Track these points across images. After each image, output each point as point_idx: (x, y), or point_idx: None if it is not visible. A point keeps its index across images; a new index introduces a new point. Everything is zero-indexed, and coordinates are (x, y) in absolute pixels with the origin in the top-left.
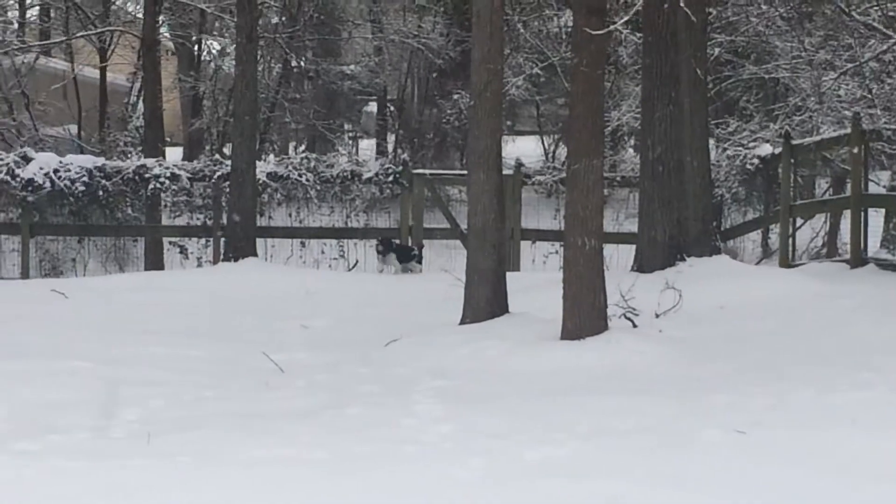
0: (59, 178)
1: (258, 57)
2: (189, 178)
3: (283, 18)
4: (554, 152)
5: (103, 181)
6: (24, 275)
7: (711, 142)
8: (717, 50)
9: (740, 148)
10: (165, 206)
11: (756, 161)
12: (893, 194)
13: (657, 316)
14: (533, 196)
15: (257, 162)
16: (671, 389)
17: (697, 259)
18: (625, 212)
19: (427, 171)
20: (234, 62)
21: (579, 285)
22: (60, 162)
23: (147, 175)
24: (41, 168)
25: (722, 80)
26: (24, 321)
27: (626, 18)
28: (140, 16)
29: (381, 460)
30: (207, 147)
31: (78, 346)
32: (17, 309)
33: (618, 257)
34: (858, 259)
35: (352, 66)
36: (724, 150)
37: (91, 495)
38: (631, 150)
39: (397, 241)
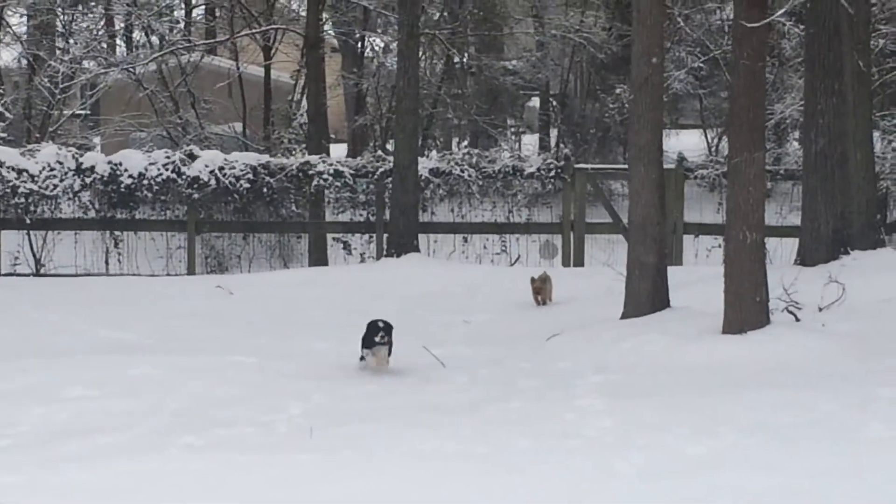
0: (224, 175)
1: (420, 53)
2: (352, 175)
3: (445, 14)
4: (717, 146)
5: (267, 178)
6: (191, 271)
7: (876, 134)
8: (881, 41)
9: None
10: (329, 202)
11: None
12: None
13: (820, 310)
14: (696, 190)
15: (420, 158)
16: (835, 384)
17: (861, 252)
18: (788, 205)
19: (589, 166)
20: (396, 59)
21: (741, 279)
22: (225, 159)
23: (311, 172)
24: (206, 166)
25: (887, 72)
26: (191, 317)
27: (784, 10)
28: (303, 13)
29: (544, 454)
30: (371, 143)
31: (243, 342)
32: (185, 305)
33: (781, 251)
34: None
35: (514, 62)
36: (890, 142)
37: (255, 488)
38: (795, 143)
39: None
